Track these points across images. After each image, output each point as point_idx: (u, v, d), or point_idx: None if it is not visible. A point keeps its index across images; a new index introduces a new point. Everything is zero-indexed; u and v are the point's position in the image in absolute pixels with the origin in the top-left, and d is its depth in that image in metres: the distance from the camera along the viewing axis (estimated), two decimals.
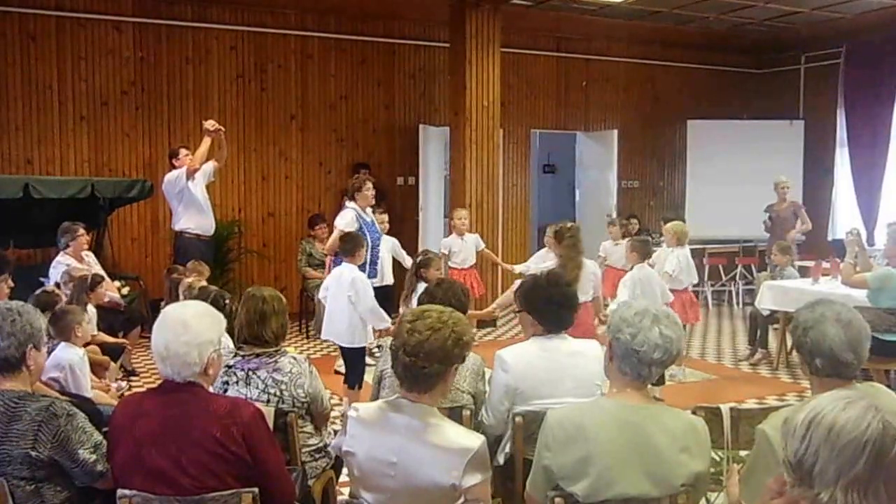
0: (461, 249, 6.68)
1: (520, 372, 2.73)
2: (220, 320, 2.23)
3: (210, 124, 6.11)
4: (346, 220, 5.65)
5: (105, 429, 2.22)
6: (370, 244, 5.64)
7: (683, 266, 5.79)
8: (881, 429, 1.30)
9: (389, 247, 6.58)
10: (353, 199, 5.78)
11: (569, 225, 4.87)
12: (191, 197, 6.16)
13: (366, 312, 4.71)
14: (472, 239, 6.85)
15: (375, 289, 5.09)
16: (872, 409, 1.33)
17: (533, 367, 2.75)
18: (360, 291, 4.70)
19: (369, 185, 5.80)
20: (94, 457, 2.15)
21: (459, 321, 2.07)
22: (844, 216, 9.95)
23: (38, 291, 4.57)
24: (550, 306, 2.84)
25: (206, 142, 6.11)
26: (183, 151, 6.27)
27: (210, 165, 6.30)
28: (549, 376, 2.74)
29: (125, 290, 6.04)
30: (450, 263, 6.55)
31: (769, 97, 10.66)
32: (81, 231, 5.83)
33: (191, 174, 6.08)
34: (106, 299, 5.39)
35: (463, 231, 6.76)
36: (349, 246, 4.92)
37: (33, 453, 2.09)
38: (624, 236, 7.49)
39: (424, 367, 1.97)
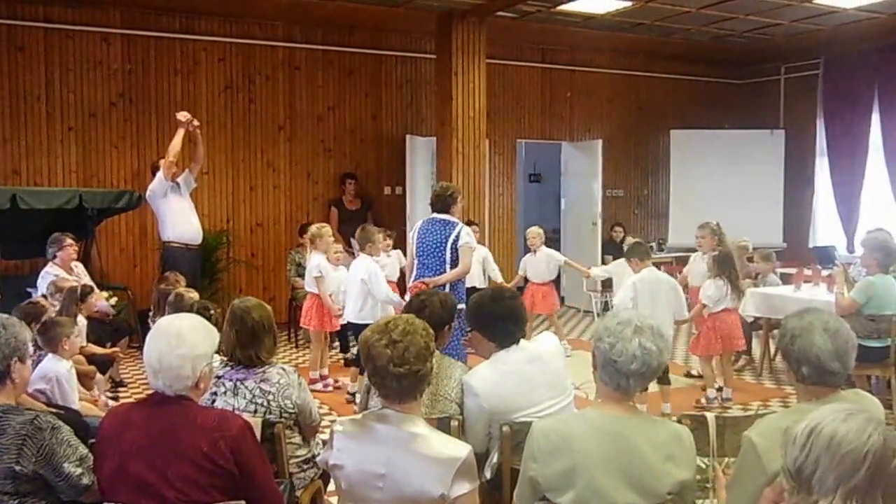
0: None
1: (490, 395, 2.70)
2: (214, 334, 2.21)
3: (182, 115, 5.97)
4: (473, 238, 5.01)
5: (92, 440, 2.20)
6: None
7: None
8: (882, 441, 1.33)
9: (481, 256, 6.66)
10: (447, 211, 4.94)
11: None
12: (177, 203, 6.07)
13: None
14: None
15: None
16: (873, 422, 1.36)
17: (501, 386, 2.71)
18: (678, 290, 5.38)
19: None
20: (79, 470, 2.13)
21: (416, 319, 2.13)
22: (825, 224, 10.11)
23: (24, 302, 4.53)
24: (497, 322, 2.83)
25: (180, 133, 5.97)
26: (163, 163, 6.24)
27: (187, 173, 6.20)
28: (520, 388, 2.73)
29: (113, 301, 6.02)
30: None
31: (750, 107, 10.80)
32: (69, 241, 5.76)
33: (167, 170, 5.95)
34: (95, 309, 5.36)
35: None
36: (643, 249, 5.47)
37: (17, 468, 2.06)
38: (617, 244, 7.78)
39: (419, 371, 2.01)
